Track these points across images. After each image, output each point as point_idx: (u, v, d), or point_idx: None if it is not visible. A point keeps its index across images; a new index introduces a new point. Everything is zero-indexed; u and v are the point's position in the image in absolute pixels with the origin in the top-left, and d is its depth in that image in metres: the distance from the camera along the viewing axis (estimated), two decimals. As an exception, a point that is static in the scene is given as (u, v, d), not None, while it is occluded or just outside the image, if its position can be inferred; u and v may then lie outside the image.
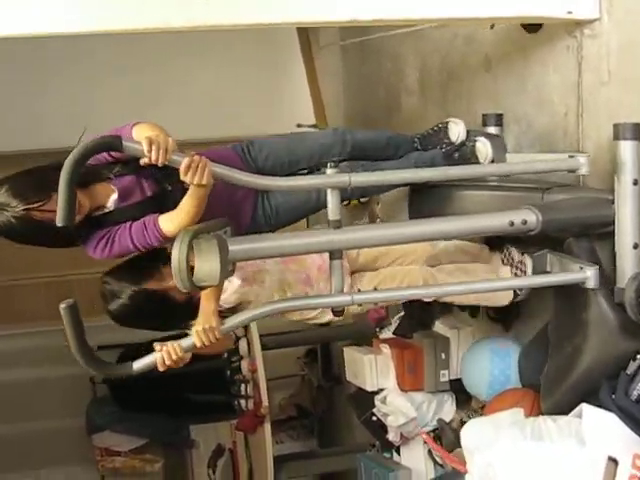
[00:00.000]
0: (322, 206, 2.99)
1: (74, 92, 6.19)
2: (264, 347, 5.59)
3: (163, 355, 2.78)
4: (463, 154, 3.60)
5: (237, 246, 2.54)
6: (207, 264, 2.40)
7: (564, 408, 2.97)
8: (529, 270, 3.31)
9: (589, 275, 2.89)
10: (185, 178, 2.60)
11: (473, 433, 3.05)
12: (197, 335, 2.80)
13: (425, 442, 4.06)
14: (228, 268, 2.52)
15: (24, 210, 2.75)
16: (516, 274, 3.43)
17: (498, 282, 3.28)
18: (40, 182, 2.79)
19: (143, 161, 2.57)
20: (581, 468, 2.66)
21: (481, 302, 3.66)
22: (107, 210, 2.99)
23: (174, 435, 7.06)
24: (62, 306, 2.58)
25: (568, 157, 3.18)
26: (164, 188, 3.01)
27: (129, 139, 2.62)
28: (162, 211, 2.92)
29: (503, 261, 3.60)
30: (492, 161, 3.54)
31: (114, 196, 2.99)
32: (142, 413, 6.80)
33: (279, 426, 6.96)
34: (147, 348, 6.06)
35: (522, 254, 3.39)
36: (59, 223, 2.46)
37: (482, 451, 2.86)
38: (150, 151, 2.53)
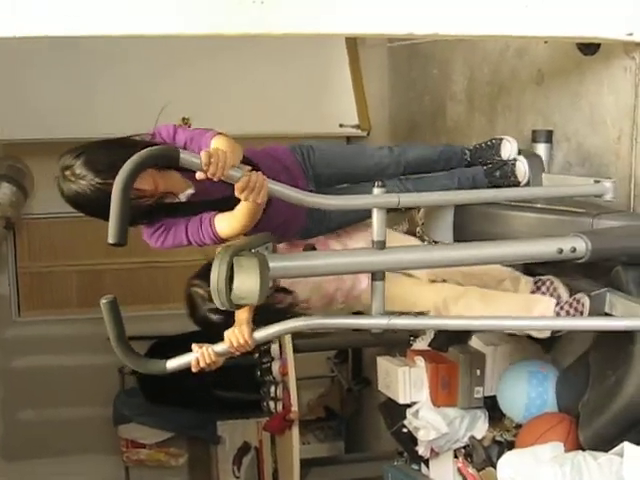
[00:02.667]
0: None
1: (126, 85, 6.21)
2: (296, 349, 5.54)
3: (198, 357, 2.84)
4: (504, 173, 3.60)
5: (278, 263, 2.49)
6: (247, 282, 2.37)
7: (603, 440, 2.92)
8: (586, 311, 3.20)
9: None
10: (240, 195, 2.58)
11: (512, 465, 2.98)
12: (227, 338, 2.84)
13: (459, 468, 4.01)
14: (268, 285, 2.47)
15: (99, 184, 2.72)
16: (568, 312, 3.29)
17: (553, 321, 3.16)
18: (114, 161, 2.70)
19: (199, 175, 2.53)
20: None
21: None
22: (178, 200, 2.99)
23: (200, 430, 7.07)
24: (103, 301, 2.64)
25: (594, 182, 3.13)
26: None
27: (187, 152, 2.57)
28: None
29: (536, 290, 3.54)
30: (529, 182, 3.53)
31: (189, 191, 2.99)
32: (169, 406, 6.81)
33: (306, 426, 6.93)
34: (178, 342, 6.05)
35: (570, 290, 3.30)
36: (110, 241, 2.41)
37: (520, 485, 2.81)
38: (208, 165, 2.49)
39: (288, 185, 2.91)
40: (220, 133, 2.86)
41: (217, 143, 2.79)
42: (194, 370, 2.87)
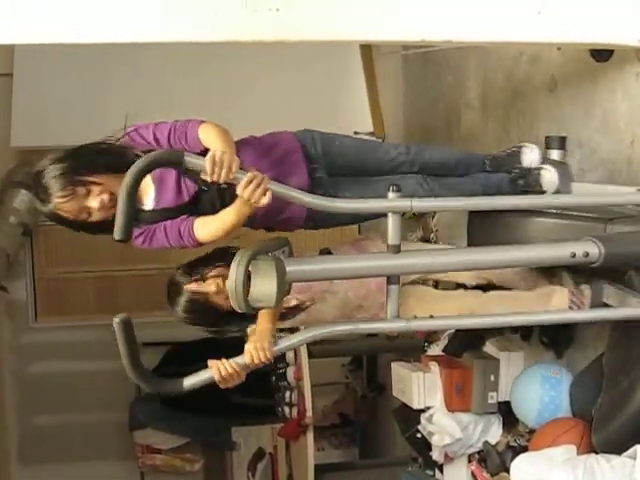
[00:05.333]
0: None
1: (137, 91, 6.24)
2: (311, 355, 5.56)
3: (220, 369, 2.72)
4: (528, 181, 3.52)
5: (294, 267, 2.51)
6: (264, 285, 2.37)
7: (616, 444, 2.92)
8: (587, 302, 3.24)
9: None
10: (242, 194, 2.57)
11: (525, 467, 3.00)
12: (248, 353, 2.76)
13: (472, 472, 4.02)
14: (285, 289, 2.49)
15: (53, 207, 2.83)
16: (572, 301, 3.36)
17: (553, 314, 3.18)
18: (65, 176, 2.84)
19: (204, 178, 2.56)
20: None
21: None
22: (143, 207, 2.99)
23: (215, 436, 7.08)
24: (115, 320, 2.53)
25: (637, 191, 3.11)
26: (201, 189, 2.99)
27: (192, 155, 2.57)
28: (198, 212, 2.93)
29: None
30: (557, 191, 3.48)
31: (151, 193, 2.99)
32: (185, 412, 6.83)
33: (321, 433, 6.94)
34: (193, 348, 6.08)
35: (576, 284, 3.33)
36: (116, 237, 2.45)
37: (533, 488, 2.83)
38: (213, 171, 2.51)
39: (281, 171, 3.04)
40: (203, 121, 2.89)
41: (206, 135, 2.83)
42: (218, 382, 2.74)
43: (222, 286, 2.96)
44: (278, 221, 3.23)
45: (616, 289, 3.05)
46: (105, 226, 2.85)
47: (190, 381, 2.72)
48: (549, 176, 3.52)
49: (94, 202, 2.86)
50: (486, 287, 3.58)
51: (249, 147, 3.17)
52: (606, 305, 3.13)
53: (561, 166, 3.59)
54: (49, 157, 2.91)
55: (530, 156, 3.61)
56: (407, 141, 6.10)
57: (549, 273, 3.55)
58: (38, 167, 2.91)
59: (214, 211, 2.90)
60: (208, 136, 2.85)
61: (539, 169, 3.55)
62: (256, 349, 2.74)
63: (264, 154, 3.18)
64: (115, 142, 3.01)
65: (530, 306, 3.41)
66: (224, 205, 2.88)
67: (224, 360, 2.75)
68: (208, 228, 2.84)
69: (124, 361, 2.60)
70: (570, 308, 3.30)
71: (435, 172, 3.54)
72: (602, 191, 3.45)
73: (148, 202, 3.00)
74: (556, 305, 3.36)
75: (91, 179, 2.86)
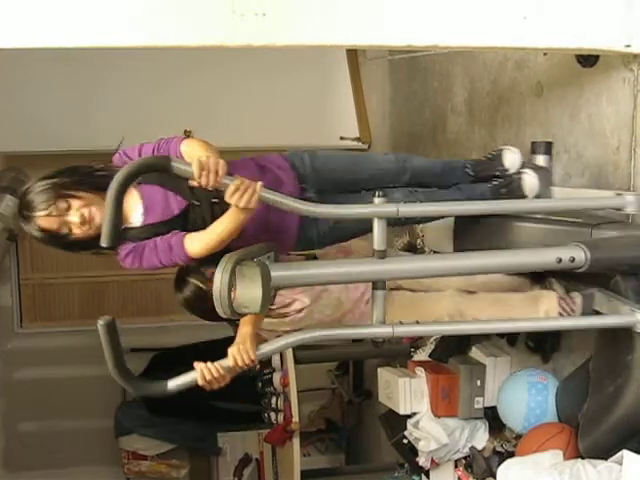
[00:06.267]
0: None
1: (126, 97, 6.26)
2: (297, 361, 5.55)
3: (203, 371, 2.73)
4: (511, 190, 3.54)
5: (280, 272, 2.50)
6: (249, 291, 2.37)
7: (602, 449, 2.92)
8: (579, 310, 3.24)
9: (640, 319, 2.81)
10: (230, 200, 2.57)
11: (511, 472, 3.00)
12: (232, 356, 2.77)
13: (459, 477, 4.01)
14: (270, 294, 2.49)
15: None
16: (563, 308, 3.36)
17: (543, 322, 3.19)
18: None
19: (192, 184, 2.56)
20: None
21: None
22: (132, 225, 2.98)
23: (201, 442, 7.07)
24: (100, 323, 2.52)
25: (615, 195, 3.12)
26: (192, 204, 2.97)
27: (179, 160, 2.58)
28: (188, 227, 2.91)
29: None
30: (538, 195, 3.49)
31: (139, 209, 2.98)
32: (170, 418, 6.81)
33: (307, 438, 6.95)
34: (180, 354, 6.07)
35: (566, 290, 3.34)
36: (103, 243, 2.44)
37: (519, 493, 2.82)
38: (200, 176, 2.51)
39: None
40: (185, 138, 2.89)
41: (189, 147, 2.83)
42: (202, 385, 2.75)
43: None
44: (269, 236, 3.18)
45: (607, 296, 3.04)
46: (87, 244, 2.90)
47: (174, 383, 2.71)
48: (530, 180, 3.54)
49: (74, 217, 2.86)
50: None
51: (244, 168, 3.13)
52: (597, 312, 3.12)
53: (541, 170, 3.60)
54: (36, 178, 2.92)
55: (511, 157, 3.64)
56: (393, 146, 6.12)
57: (539, 282, 3.56)
58: (24, 187, 2.92)
59: (205, 227, 2.87)
60: (191, 148, 2.84)
61: (520, 174, 3.58)
62: (239, 352, 2.75)
63: (258, 175, 3.13)
64: (101, 165, 3.00)
65: (518, 308, 3.41)
66: (215, 220, 2.85)
67: (209, 363, 2.75)
68: (200, 240, 2.82)
69: (109, 364, 2.59)
70: (560, 315, 3.30)
71: (423, 180, 3.56)
72: (583, 195, 3.45)
73: (136, 219, 2.98)
74: (544, 309, 3.36)
75: (73, 193, 2.86)
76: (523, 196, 3.56)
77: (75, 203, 2.86)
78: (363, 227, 3.30)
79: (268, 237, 3.05)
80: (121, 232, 2.82)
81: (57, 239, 2.90)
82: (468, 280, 3.55)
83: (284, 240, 3.21)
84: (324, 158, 3.42)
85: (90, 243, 2.86)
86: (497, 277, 3.58)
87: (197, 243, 2.82)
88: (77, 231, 2.88)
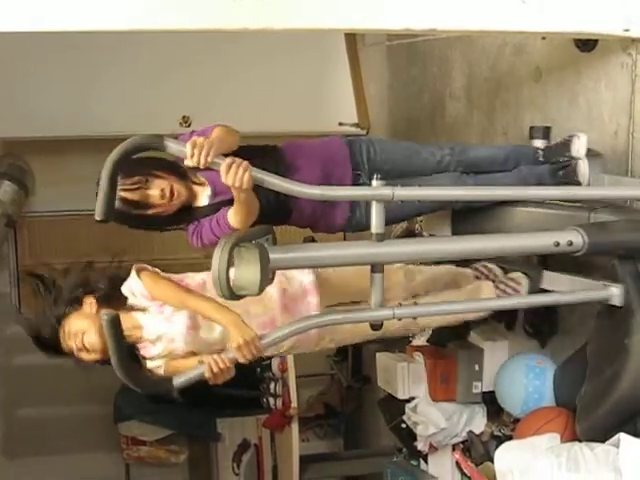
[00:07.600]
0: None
1: (126, 83, 6.23)
2: (295, 347, 5.55)
3: (211, 364, 2.72)
4: (566, 172, 3.51)
5: (278, 254, 2.50)
6: (248, 273, 2.36)
7: (599, 433, 2.92)
8: (524, 289, 3.28)
9: (615, 293, 2.82)
10: (225, 180, 2.66)
11: (509, 455, 3.00)
12: (238, 351, 2.74)
13: (457, 461, 4.03)
14: (268, 276, 2.48)
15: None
16: (505, 292, 3.48)
17: (491, 302, 3.26)
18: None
19: (187, 163, 2.62)
20: (617, 499, 2.62)
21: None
22: (200, 205, 3.24)
23: (200, 428, 7.05)
24: (104, 317, 2.56)
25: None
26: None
27: (173, 140, 2.63)
28: None
29: (478, 277, 3.68)
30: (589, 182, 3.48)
31: (207, 192, 3.24)
32: (169, 404, 6.80)
33: (306, 424, 6.95)
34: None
35: (506, 272, 3.44)
36: (97, 218, 2.49)
37: (517, 476, 2.82)
38: (192, 154, 2.58)
39: (328, 172, 3.25)
40: (219, 125, 3.01)
41: (214, 133, 2.92)
42: (208, 378, 2.75)
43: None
44: (310, 216, 3.37)
45: (555, 274, 3.12)
46: (164, 220, 3.19)
47: (180, 379, 2.72)
48: (584, 167, 3.48)
49: (154, 191, 3.09)
50: None
51: (302, 148, 3.41)
52: (544, 291, 3.24)
53: (594, 157, 3.55)
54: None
55: (577, 144, 3.53)
56: (392, 132, 6.12)
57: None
58: None
59: (268, 205, 3.12)
60: (213, 133, 2.93)
61: (576, 160, 3.51)
62: (246, 344, 2.73)
63: (316, 155, 3.37)
64: None
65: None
66: (278, 198, 3.11)
67: (216, 355, 2.75)
68: (236, 215, 3.03)
69: (112, 359, 2.60)
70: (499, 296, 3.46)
71: (484, 169, 3.59)
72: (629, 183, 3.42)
73: (204, 199, 3.24)
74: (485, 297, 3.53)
75: (154, 172, 3.10)
76: (578, 182, 3.50)
77: (156, 181, 3.09)
78: (409, 211, 3.53)
79: (321, 213, 3.37)
80: (191, 211, 3.22)
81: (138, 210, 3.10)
82: (410, 283, 3.58)
83: (335, 219, 3.39)
84: (380, 147, 3.50)
85: (168, 218, 3.16)
86: (438, 272, 3.67)
87: (234, 217, 3.04)
88: (157, 202, 3.10)
